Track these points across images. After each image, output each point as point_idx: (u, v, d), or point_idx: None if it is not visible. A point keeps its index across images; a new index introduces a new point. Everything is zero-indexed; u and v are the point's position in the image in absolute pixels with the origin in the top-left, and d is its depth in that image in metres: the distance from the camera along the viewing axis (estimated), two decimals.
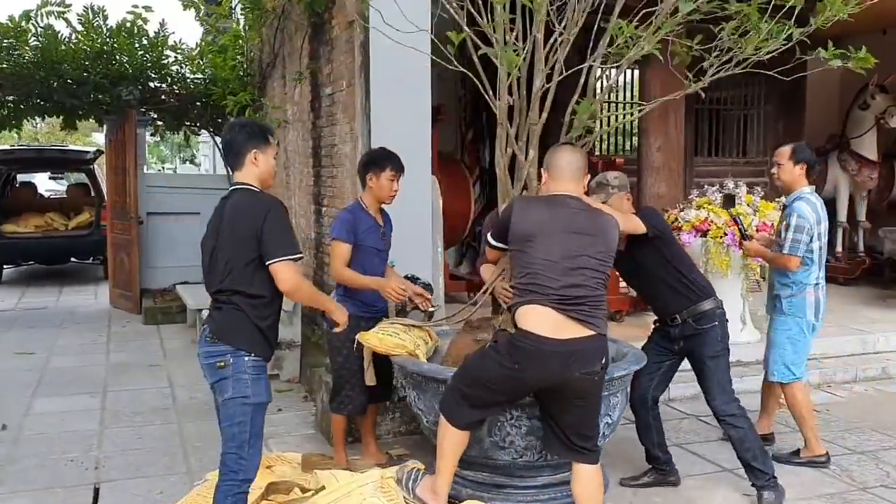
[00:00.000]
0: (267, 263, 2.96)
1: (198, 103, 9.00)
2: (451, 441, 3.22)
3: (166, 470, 4.31)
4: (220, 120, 9.17)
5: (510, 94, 3.77)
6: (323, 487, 3.50)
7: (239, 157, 3.10)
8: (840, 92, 10.53)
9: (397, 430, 4.80)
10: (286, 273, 2.98)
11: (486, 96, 3.86)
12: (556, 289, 3.02)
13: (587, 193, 4.32)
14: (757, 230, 6.29)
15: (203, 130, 9.90)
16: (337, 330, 3.41)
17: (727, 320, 3.99)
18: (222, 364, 3.03)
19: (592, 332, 3.05)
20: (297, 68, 6.86)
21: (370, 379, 3.95)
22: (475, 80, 3.85)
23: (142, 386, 5.95)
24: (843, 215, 9.74)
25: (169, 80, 8.96)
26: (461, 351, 3.74)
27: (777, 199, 6.41)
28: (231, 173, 3.23)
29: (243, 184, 3.12)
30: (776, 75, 3.87)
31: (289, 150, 7.47)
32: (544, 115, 3.82)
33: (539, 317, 3.03)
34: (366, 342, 3.77)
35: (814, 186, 4.39)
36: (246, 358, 3.03)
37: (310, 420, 5.15)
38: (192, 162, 32.40)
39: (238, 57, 8.62)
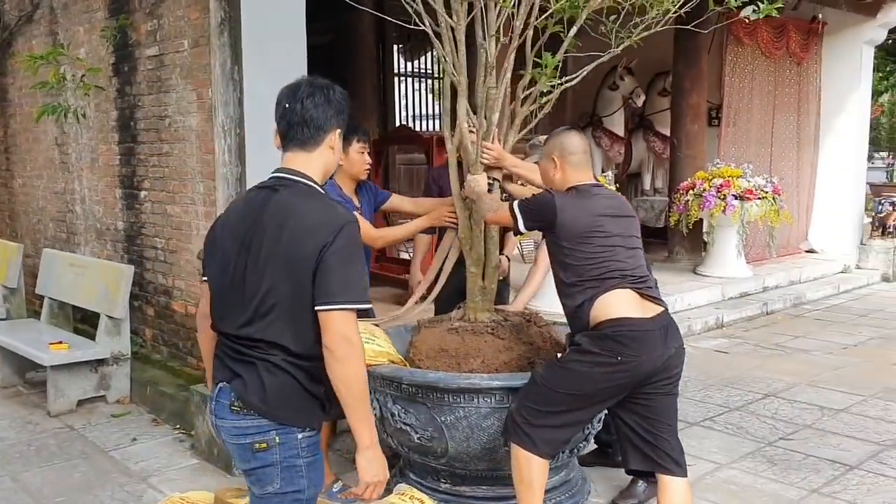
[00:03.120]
0: (318, 308, 2.00)
1: None
2: (540, 473, 2.87)
3: None
4: None
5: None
6: None
7: (319, 133, 2.13)
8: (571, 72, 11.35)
9: None
10: (344, 327, 1.99)
11: (443, 57, 3.39)
12: (629, 270, 2.87)
13: (525, 157, 4.08)
14: None
15: None
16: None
17: None
18: (263, 445, 2.08)
19: (664, 308, 2.93)
20: (83, 24, 5.65)
21: None
22: (435, 38, 3.34)
23: None
24: None
25: None
26: (436, 345, 3.30)
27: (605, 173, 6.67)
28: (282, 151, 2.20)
29: (300, 175, 2.12)
30: None
31: (65, 122, 6.14)
32: (505, 79, 3.43)
33: (625, 300, 2.83)
34: None
35: None
36: (299, 435, 2.10)
37: (184, 447, 4.29)
38: None
39: None
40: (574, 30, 3.32)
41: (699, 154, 8.82)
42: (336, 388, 2.03)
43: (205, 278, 2.23)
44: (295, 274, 2.02)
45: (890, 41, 12.64)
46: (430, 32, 3.29)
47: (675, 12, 3.40)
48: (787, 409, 4.96)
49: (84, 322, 5.67)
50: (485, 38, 3.32)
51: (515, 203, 3.05)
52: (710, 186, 8.03)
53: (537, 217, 2.98)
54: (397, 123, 9.03)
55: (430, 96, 10.38)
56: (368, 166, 3.71)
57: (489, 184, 3.40)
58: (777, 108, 9.47)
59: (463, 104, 3.35)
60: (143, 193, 5.25)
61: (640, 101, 10.35)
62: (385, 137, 7.26)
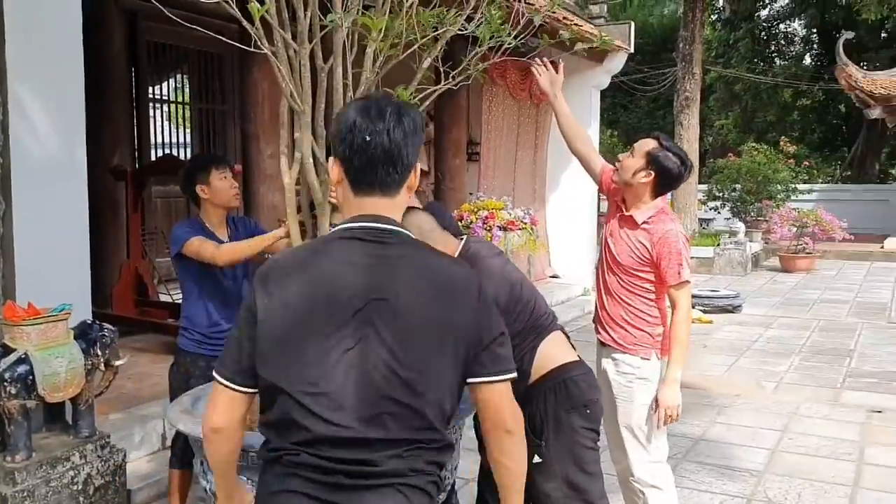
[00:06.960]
0: (478, 381, 1.64)
1: None
2: None
3: None
4: None
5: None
6: None
7: (405, 174, 1.66)
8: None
9: None
10: (511, 405, 1.68)
11: (280, 76, 3.02)
12: (549, 309, 2.73)
13: None
14: None
15: None
16: None
17: None
18: None
19: None
20: None
21: None
22: (275, 62, 2.97)
23: None
24: None
25: None
26: None
27: None
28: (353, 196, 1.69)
29: (398, 224, 1.67)
30: None
31: None
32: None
33: (561, 344, 2.66)
34: None
35: None
36: None
37: None
38: None
39: None
40: (428, 62, 3.16)
41: (460, 187, 9.11)
42: (507, 468, 1.72)
43: (232, 385, 1.67)
44: (448, 357, 1.60)
45: None
46: (268, 52, 2.93)
47: (511, 44, 3.36)
48: None
49: None
50: (325, 62, 3.04)
51: None
52: (477, 218, 8.30)
53: (510, 301, 2.60)
54: (156, 153, 8.21)
55: (183, 124, 9.64)
56: (235, 192, 3.47)
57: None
58: (519, 144, 10.14)
59: (308, 137, 3.01)
60: None
61: None
62: (147, 169, 6.53)
